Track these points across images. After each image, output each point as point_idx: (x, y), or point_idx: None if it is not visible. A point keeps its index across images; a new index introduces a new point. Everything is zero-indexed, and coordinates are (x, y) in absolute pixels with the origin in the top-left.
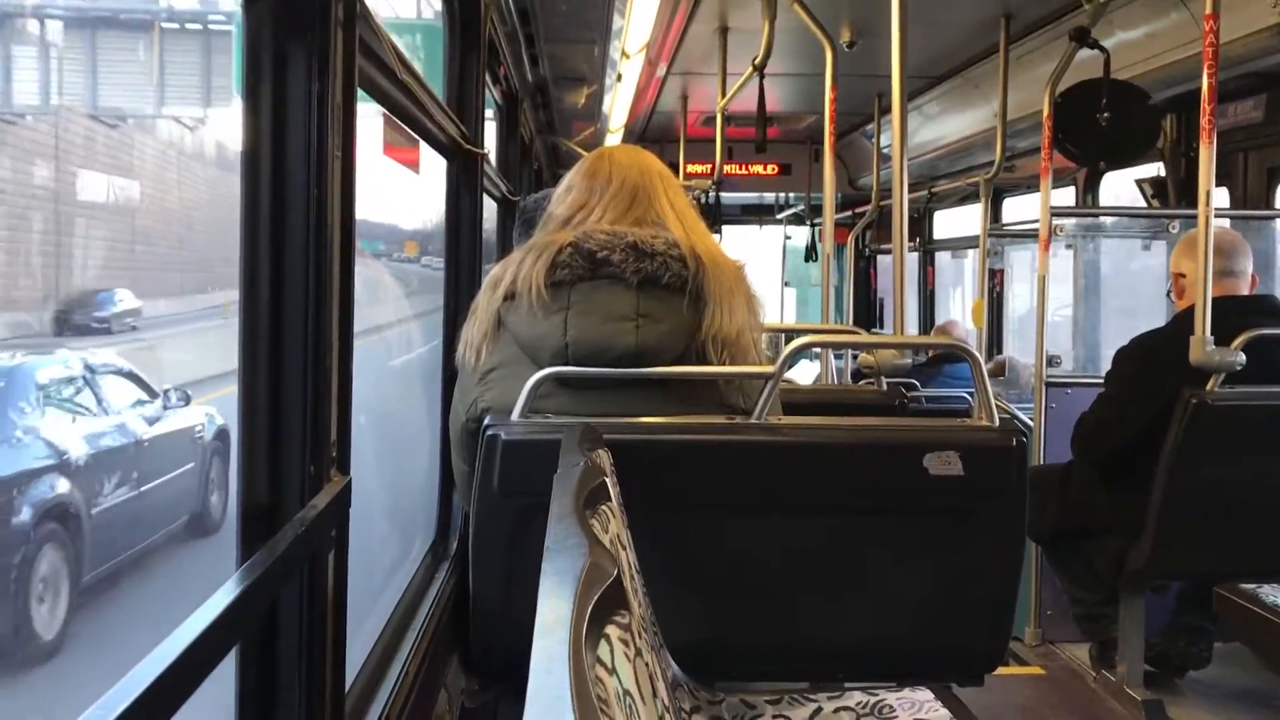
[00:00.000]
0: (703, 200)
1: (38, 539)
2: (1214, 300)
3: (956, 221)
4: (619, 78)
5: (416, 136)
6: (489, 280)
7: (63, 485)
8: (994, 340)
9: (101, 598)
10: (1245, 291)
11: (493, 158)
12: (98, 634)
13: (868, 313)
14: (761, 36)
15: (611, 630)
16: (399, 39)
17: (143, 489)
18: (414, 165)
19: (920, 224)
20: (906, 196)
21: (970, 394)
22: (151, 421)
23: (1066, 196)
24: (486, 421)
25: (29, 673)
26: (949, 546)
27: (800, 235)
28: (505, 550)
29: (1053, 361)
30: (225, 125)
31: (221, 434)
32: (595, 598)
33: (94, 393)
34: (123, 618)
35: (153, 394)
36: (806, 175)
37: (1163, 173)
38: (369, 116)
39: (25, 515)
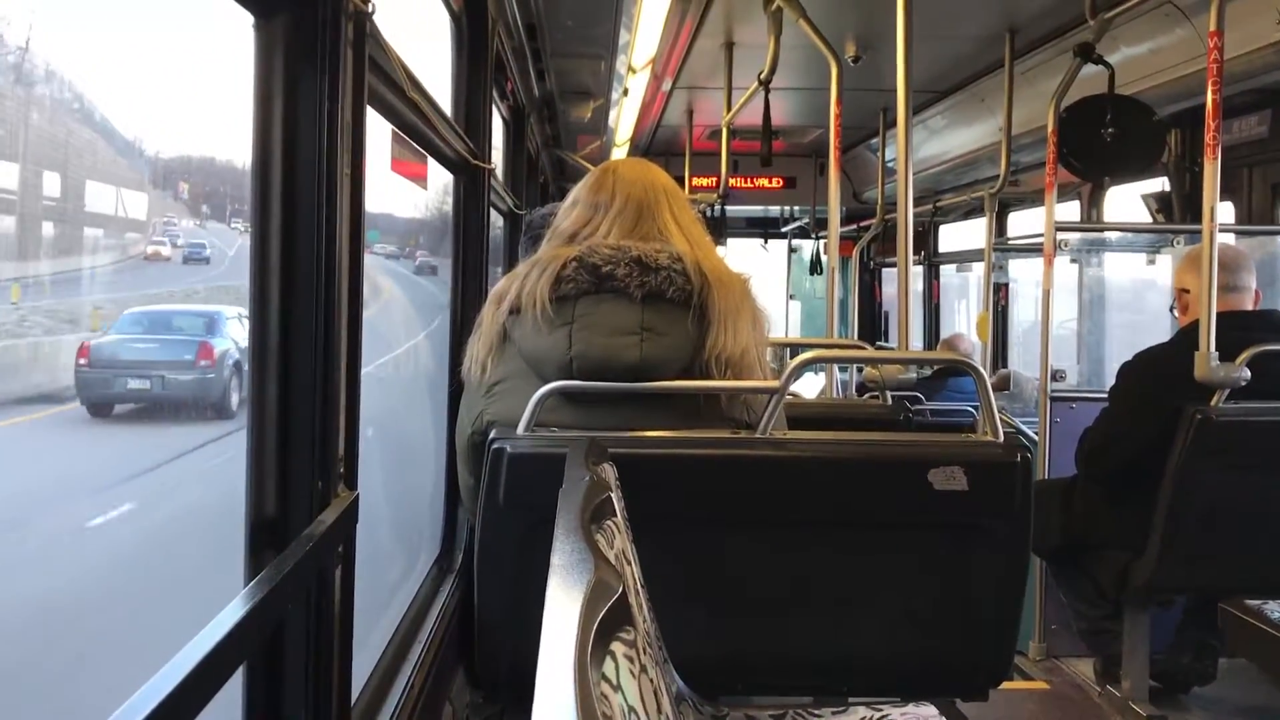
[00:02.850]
0: (708, 214)
1: (230, 374)
2: (1218, 316)
3: (961, 235)
4: (625, 92)
5: (424, 152)
6: (493, 294)
7: (237, 354)
8: (998, 354)
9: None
10: (1249, 307)
11: (499, 172)
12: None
13: (873, 326)
14: (767, 51)
15: (617, 647)
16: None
17: None
18: (421, 179)
19: (925, 238)
20: (911, 210)
21: (975, 408)
22: None
23: (1071, 211)
24: (492, 435)
25: (232, 418)
26: (953, 561)
27: (806, 248)
28: (511, 563)
29: (1057, 376)
30: None
31: None
32: (601, 614)
33: (240, 323)
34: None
35: None
36: (811, 189)
37: (1167, 188)
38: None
39: (229, 362)
